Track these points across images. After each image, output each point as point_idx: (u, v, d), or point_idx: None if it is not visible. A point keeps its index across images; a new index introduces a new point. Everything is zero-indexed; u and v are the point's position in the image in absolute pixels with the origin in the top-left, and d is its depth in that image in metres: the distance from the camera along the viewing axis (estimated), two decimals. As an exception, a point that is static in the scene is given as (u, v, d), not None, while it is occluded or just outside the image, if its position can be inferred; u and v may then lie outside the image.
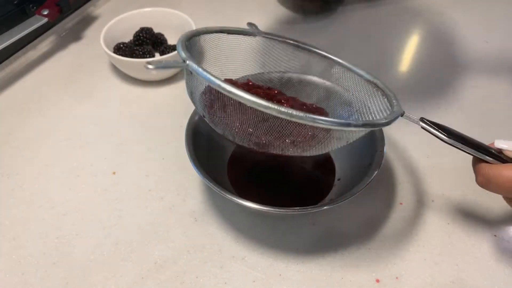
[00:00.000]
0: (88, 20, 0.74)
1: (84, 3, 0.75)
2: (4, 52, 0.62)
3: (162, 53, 0.63)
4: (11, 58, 0.65)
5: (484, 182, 0.37)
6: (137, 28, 0.64)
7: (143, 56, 0.61)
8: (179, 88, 0.62)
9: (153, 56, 0.62)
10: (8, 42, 0.60)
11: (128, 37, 0.65)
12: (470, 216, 0.46)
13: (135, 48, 0.62)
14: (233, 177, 0.48)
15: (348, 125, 0.34)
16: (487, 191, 0.49)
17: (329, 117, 0.38)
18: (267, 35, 0.46)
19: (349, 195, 0.40)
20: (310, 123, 0.33)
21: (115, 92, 0.61)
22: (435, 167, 0.51)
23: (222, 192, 0.40)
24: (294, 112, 0.32)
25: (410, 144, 0.53)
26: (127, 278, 0.42)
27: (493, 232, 0.45)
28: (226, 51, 0.45)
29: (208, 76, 0.34)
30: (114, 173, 0.51)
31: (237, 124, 0.36)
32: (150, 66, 0.33)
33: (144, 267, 0.42)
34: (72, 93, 0.61)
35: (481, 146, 0.37)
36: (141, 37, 0.64)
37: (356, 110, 0.44)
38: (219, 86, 0.33)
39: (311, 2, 0.73)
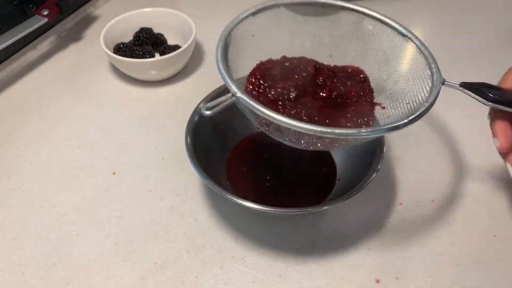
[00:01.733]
0: (88, 20, 0.74)
1: (84, 3, 0.75)
2: (4, 52, 0.63)
3: (162, 54, 0.63)
4: (11, 58, 0.65)
5: None
6: (137, 28, 0.64)
7: (143, 56, 0.61)
8: (179, 88, 0.62)
9: (153, 56, 0.62)
10: (8, 42, 0.60)
11: (128, 37, 0.65)
12: (470, 216, 0.46)
13: (135, 48, 0.62)
14: (231, 177, 0.48)
15: (396, 128, 0.35)
16: (488, 190, 0.49)
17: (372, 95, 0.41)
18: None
19: (349, 195, 0.40)
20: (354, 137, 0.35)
21: (115, 92, 0.61)
22: (435, 167, 0.51)
23: (222, 192, 0.40)
24: (338, 130, 0.33)
25: (410, 144, 0.53)
26: (127, 278, 0.42)
27: (493, 232, 0.45)
28: (258, 34, 0.45)
29: (261, 108, 0.34)
30: (114, 173, 0.51)
31: (292, 139, 0.38)
32: (207, 112, 0.33)
33: (144, 267, 0.42)
34: (72, 93, 0.61)
35: None
36: (141, 37, 0.64)
37: (394, 70, 0.43)
38: (270, 116, 0.34)
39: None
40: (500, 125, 0.37)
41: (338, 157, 0.50)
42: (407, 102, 0.41)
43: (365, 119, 0.40)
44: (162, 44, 0.65)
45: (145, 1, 0.76)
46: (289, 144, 0.39)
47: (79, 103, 0.59)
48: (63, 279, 0.42)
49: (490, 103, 0.37)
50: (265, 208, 0.39)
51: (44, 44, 0.68)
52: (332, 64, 0.45)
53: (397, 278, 0.42)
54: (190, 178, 0.50)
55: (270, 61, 0.43)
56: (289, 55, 0.45)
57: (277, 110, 0.37)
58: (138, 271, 0.42)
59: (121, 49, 0.61)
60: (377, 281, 0.41)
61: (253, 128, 0.53)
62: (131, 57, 0.61)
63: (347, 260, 0.43)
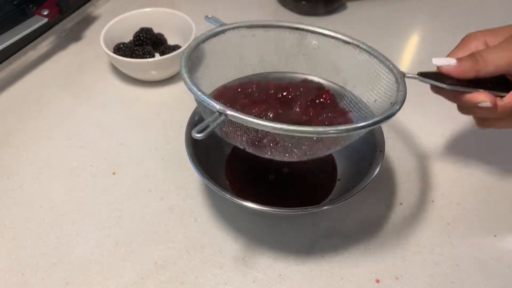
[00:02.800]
0: (88, 20, 0.74)
1: (84, 3, 0.75)
2: (4, 52, 0.62)
3: (162, 54, 0.63)
4: (11, 58, 0.65)
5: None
6: (137, 28, 0.64)
7: (143, 56, 0.61)
8: (179, 88, 0.62)
9: (153, 56, 0.62)
10: (8, 42, 0.60)
11: (128, 37, 0.65)
12: (470, 216, 0.46)
13: (135, 48, 0.62)
14: (231, 177, 0.48)
15: (362, 127, 0.34)
16: (487, 191, 0.49)
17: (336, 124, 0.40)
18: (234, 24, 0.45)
19: (349, 195, 0.40)
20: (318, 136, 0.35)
21: (115, 92, 0.61)
22: (435, 167, 0.51)
23: (222, 192, 0.40)
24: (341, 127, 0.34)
25: (410, 144, 0.53)
26: (127, 278, 0.42)
27: (493, 232, 0.45)
28: (225, 52, 0.45)
29: (251, 120, 0.34)
30: (114, 173, 0.51)
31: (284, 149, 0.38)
32: (198, 135, 0.32)
33: (144, 267, 0.42)
34: (72, 93, 0.61)
35: (481, 82, 0.38)
36: (141, 37, 0.63)
37: (349, 76, 0.45)
38: (270, 126, 0.33)
39: (311, 2, 0.73)
40: (472, 95, 0.38)
41: (338, 157, 0.50)
42: (375, 100, 0.42)
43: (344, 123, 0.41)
44: (162, 44, 0.65)
45: (145, 1, 0.76)
46: (279, 157, 0.39)
47: (79, 103, 0.59)
48: (63, 279, 0.42)
49: (448, 86, 0.38)
50: (265, 208, 0.39)
51: (44, 44, 0.68)
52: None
53: (397, 278, 0.42)
54: (190, 178, 0.50)
55: (229, 88, 0.44)
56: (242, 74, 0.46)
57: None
58: (138, 271, 0.42)
59: (121, 49, 0.61)
60: (377, 281, 0.41)
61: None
62: (131, 57, 0.61)
63: (347, 260, 0.43)
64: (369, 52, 0.43)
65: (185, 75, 0.39)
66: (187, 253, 0.44)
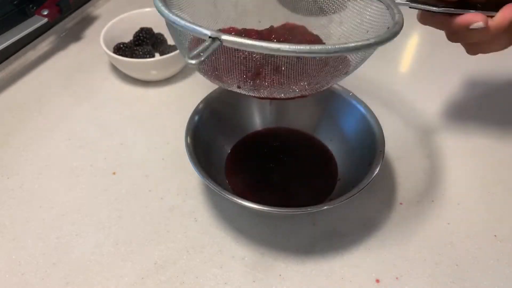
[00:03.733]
0: (88, 20, 0.74)
1: (84, 3, 0.75)
2: (4, 52, 0.63)
3: (162, 54, 0.63)
4: (11, 58, 0.65)
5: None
6: (137, 28, 0.64)
7: (143, 56, 0.61)
8: (179, 88, 0.62)
9: (153, 56, 0.62)
10: (8, 42, 0.60)
11: (128, 37, 0.65)
12: (470, 216, 0.46)
13: (135, 48, 0.62)
14: (231, 177, 0.48)
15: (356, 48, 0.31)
16: (487, 191, 0.49)
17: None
18: None
19: (349, 195, 0.40)
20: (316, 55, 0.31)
21: (115, 92, 0.61)
22: (435, 167, 0.51)
23: (222, 192, 0.40)
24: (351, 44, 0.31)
25: (410, 143, 0.53)
26: (127, 278, 0.42)
27: (493, 232, 0.45)
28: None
29: (251, 42, 0.29)
30: (114, 173, 0.51)
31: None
32: (192, 61, 0.28)
33: (144, 267, 0.42)
34: (72, 93, 0.61)
35: (472, 6, 0.37)
36: (141, 37, 0.64)
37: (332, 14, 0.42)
38: (269, 47, 0.29)
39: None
40: (464, 16, 0.37)
41: (338, 157, 0.50)
42: (367, 31, 0.40)
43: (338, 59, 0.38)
44: (162, 44, 0.65)
45: (145, 1, 0.76)
46: (278, 93, 0.36)
47: (79, 103, 0.59)
48: (63, 279, 0.42)
49: (439, 9, 0.37)
50: (265, 208, 0.39)
51: (44, 44, 0.68)
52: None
53: (397, 278, 0.42)
54: (190, 178, 0.50)
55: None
56: (218, 25, 0.43)
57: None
58: (138, 271, 0.42)
59: (121, 49, 0.61)
60: (377, 281, 0.41)
61: (253, 127, 0.53)
62: (131, 57, 0.61)
63: (347, 260, 0.43)
64: None
65: (159, 4, 0.34)
66: (187, 253, 0.44)
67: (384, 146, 0.44)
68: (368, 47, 0.32)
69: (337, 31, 0.43)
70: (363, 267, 0.42)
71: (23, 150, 0.53)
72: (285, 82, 0.35)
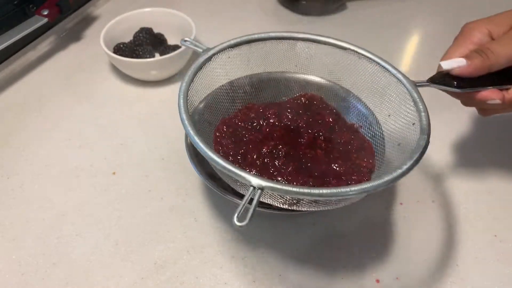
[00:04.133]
0: (88, 20, 0.74)
1: (84, 3, 0.75)
2: (4, 52, 0.62)
3: (162, 53, 0.63)
4: (11, 58, 0.65)
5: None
6: (137, 28, 0.64)
7: (143, 56, 0.61)
8: (179, 88, 0.62)
9: (153, 56, 0.62)
10: (8, 42, 0.60)
11: (128, 37, 0.65)
12: (470, 216, 0.46)
13: (135, 48, 0.62)
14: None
15: (369, 189, 0.32)
16: (487, 191, 0.49)
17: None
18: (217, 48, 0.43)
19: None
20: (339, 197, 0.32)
21: (115, 92, 0.61)
22: (435, 167, 0.51)
23: (222, 192, 0.40)
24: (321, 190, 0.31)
25: (410, 143, 0.53)
26: (127, 278, 0.42)
27: (493, 232, 0.45)
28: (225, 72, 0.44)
29: (290, 189, 0.31)
30: (114, 173, 0.51)
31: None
32: (240, 224, 0.29)
33: (144, 267, 0.42)
34: (72, 93, 0.61)
35: (489, 79, 0.37)
36: (141, 37, 0.63)
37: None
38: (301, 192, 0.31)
39: (311, 2, 0.73)
40: (482, 94, 0.38)
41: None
42: (388, 114, 0.41)
43: (361, 148, 0.41)
44: (162, 44, 0.65)
45: (145, 1, 0.76)
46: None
47: (79, 103, 0.59)
48: (63, 279, 0.42)
49: (458, 90, 0.38)
50: (265, 208, 0.39)
51: (44, 44, 0.68)
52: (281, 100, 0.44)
53: (397, 278, 0.42)
54: (190, 178, 0.50)
55: (228, 122, 0.42)
56: (234, 105, 0.45)
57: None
58: (138, 271, 0.42)
59: (121, 49, 0.61)
60: (377, 281, 0.41)
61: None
62: (131, 57, 0.61)
63: (347, 260, 0.43)
64: (371, 59, 0.41)
65: (202, 146, 0.34)
66: (187, 253, 0.44)
67: (384, 146, 0.44)
68: (393, 181, 0.33)
69: (352, 99, 0.44)
70: (363, 267, 0.42)
71: (23, 150, 0.53)
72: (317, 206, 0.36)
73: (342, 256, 0.43)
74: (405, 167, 0.33)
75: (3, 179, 0.50)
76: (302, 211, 0.40)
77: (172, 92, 0.61)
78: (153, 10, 0.66)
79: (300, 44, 0.43)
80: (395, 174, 0.32)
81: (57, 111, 0.58)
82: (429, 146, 0.53)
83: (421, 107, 0.37)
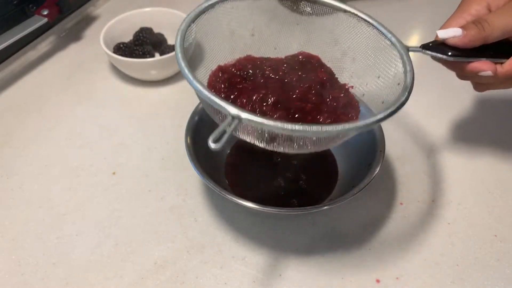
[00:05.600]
0: (88, 20, 0.74)
1: (84, 3, 0.75)
2: (4, 52, 0.62)
3: (162, 53, 0.63)
4: (11, 58, 0.65)
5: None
6: (137, 28, 0.64)
7: (143, 56, 0.61)
8: (179, 88, 0.62)
9: (153, 56, 0.62)
10: (8, 42, 0.60)
11: (128, 37, 0.65)
12: (470, 216, 0.46)
13: (135, 48, 0.62)
14: (231, 177, 0.48)
15: (363, 126, 0.33)
16: (487, 191, 0.49)
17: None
18: None
19: (349, 195, 0.40)
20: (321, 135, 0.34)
21: (115, 92, 0.61)
22: (435, 167, 0.51)
23: (222, 192, 0.40)
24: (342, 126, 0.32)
25: (410, 144, 0.53)
26: (127, 278, 0.42)
27: (493, 232, 0.45)
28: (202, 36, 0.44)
29: (267, 123, 0.32)
30: (114, 173, 0.51)
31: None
32: (214, 145, 0.30)
33: (144, 267, 0.42)
34: (72, 93, 0.61)
35: (484, 51, 0.37)
36: (141, 37, 0.63)
37: (347, 48, 0.43)
38: (278, 126, 0.32)
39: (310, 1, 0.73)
40: (474, 64, 0.38)
41: (338, 157, 0.50)
42: (378, 76, 0.41)
43: (348, 105, 0.40)
44: (162, 44, 0.65)
45: (145, 1, 0.76)
46: (287, 151, 0.38)
47: (79, 103, 0.59)
48: (63, 279, 0.42)
49: (452, 58, 0.38)
50: (265, 208, 0.39)
51: (44, 44, 0.68)
52: (280, 56, 0.44)
53: (397, 278, 0.42)
54: (190, 178, 0.50)
55: (224, 68, 0.42)
56: (233, 54, 0.44)
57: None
58: (138, 271, 0.42)
59: (121, 49, 0.61)
60: (377, 281, 0.41)
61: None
62: (131, 57, 0.61)
63: (347, 260, 0.43)
64: (369, 23, 0.41)
65: (188, 74, 0.35)
66: (187, 253, 0.44)
67: (384, 146, 0.44)
68: (376, 123, 0.33)
69: (349, 67, 0.44)
70: (363, 267, 0.42)
71: (23, 150, 0.53)
72: (294, 146, 0.36)
73: (342, 256, 0.43)
74: (379, 116, 0.34)
75: (3, 179, 0.50)
76: (302, 211, 0.40)
77: (172, 92, 0.61)
78: (153, 10, 0.66)
79: (303, 3, 0.45)
80: (367, 121, 0.33)
81: (57, 111, 0.58)
82: (429, 146, 0.53)
83: (408, 67, 0.38)
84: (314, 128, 0.31)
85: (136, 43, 0.64)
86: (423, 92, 0.60)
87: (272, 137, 0.36)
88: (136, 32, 0.64)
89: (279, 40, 0.46)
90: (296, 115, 0.39)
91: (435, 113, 0.57)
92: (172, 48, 0.62)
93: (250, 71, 0.42)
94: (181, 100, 0.59)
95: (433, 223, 0.46)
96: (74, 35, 0.71)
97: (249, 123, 0.32)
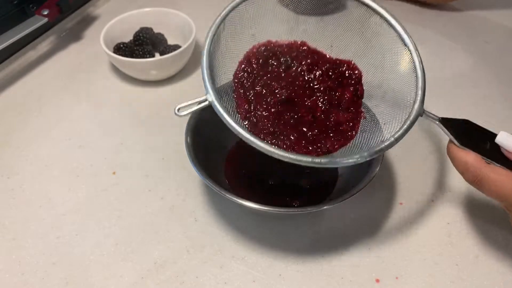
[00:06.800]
0: (88, 20, 0.74)
1: (84, 3, 0.75)
2: (4, 52, 0.62)
3: (162, 53, 0.63)
4: (11, 58, 0.65)
5: (476, 182, 0.35)
6: (137, 28, 0.64)
7: (143, 56, 0.61)
8: (179, 88, 0.62)
9: (153, 56, 0.62)
10: (8, 42, 0.60)
11: (128, 37, 0.65)
12: (470, 216, 0.46)
13: (135, 48, 0.62)
14: (231, 177, 0.48)
15: (360, 158, 0.35)
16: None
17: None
18: None
19: (349, 195, 0.40)
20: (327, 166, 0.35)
21: (115, 92, 0.61)
22: (435, 166, 0.51)
23: (222, 192, 0.40)
24: (303, 158, 0.35)
25: (410, 143, 0.53)
26: (127, 278, 0.42)
27: (493, 232, 0.45)
28: (250, 20, 0.45)
29: (227, 118, 0.36)
30: (114, 173, 0.51)
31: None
32: (181, 113, 0.36)
33: (144, 267, 0.42)
34: (72, 93, 0.61)
35: (494, 151, 0.36)
36: (141, 37, 0.63)
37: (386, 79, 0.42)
38: (235, 130, 0.36)
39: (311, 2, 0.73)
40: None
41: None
42: (384, 123, 0.41)
43: (347, 133, 0.41)
44: (162, 44, 0.65)
45: (145, 1, 0.76)
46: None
47: (79, 103, 0.59)
48: (63, 279, 0.42)
49: (462, 147, 0.36)
50: (265, 208, 0.39)
51: (44, 44, 0.68)
52: (328, 55, 0.44)
53: (397, 278, 0.42)
54: (190, 178, 0.50)
55: (261, 49, 0.43)
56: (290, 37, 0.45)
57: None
58: (138, 271, 0.42)
59: (121, 49, 0.61)
60: (377, 281, 0.41)
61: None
62: (131, 57, 0.61)
63: (347, 260, 0.43)
64: (414, 67, 0.40)
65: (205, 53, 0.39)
66: (187, 253, 0.44)
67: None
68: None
69: (375, 94, 0.43)
70: (363, 267, 0.42)
71: (23, 150, 0.53)
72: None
73: (342, 255, 0.43)
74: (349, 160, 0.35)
75: (3, 179, 0.50)
76: (302, 211, 0.40)
77: (172, 92, 0.61)
78: (153, 10, 0.66)
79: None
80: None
81: (57, 111, 0.58)
82: (429, 146, 0.53)
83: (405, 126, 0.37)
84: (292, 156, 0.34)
85: (136, 43, 0.64)
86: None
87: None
88: (136, 32, 0.64)
89: (339, 40, 0.45)
90: (296, 123, 0.40)
91: (435, 112, 0.57)
92: (172, 49, 0.62)
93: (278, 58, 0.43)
94: (181, 100, 0.59)
95: (432, 223, 0.46)
96: (74, 35, 0.71)
97: (214, 108, 0.36)
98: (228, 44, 0.42)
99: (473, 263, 0.43)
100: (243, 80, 0.42)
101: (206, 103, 0.36)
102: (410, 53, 0.40)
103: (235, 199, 0.39)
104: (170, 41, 0.66)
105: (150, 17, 0.66)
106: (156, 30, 0.65)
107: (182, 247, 0.44)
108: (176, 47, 0.62)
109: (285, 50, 0.44)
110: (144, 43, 0.63)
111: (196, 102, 0.37)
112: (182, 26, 0.64)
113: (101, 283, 0.41)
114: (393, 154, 0.52)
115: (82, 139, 0.55)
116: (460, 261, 0.43)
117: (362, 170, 0.43)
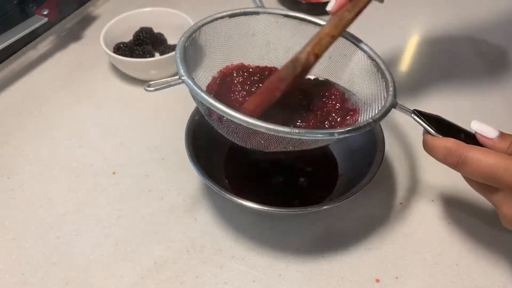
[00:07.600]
0: (88, 20, 0.74)
1: (84, 3, 0.75)
2: (4, 52, 0.62)
3: (162, 53, 0.63)
4: (11, 58, 0.65)
5: (460, 163, 0.35)
6: (137, 28, 0.64)
7: (143, 56, 0.61)
8: (179, 88, 0.62)
9: (153, 56, 0.62)
10: (8, 42, 0.60)
11: (128, 37, 0.65)
12: (470, 216, 0.46)
13: (135, 48, 0.62)
14: (231, 177, 0.48)
15: (332, 134, 0.34)
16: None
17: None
18: (269, 9, 0.45)
19: (349, 195, 0.40)
20: (296, 136, 0.34)
21: (115, 92, 0.61)
22: (435, 167, 0.51)
23: (222, 192, 0.40)
24: (281, 128, 0.33)
25: (410, 143, 0.53)
26: (127, 278, 0.42)
27: (493, 232, 0.45)
28: (230, 36, 0.46)
29: (201, 94, 0.36)
30: (114, 173, 0.51)
31: (234, 133, 0.38)
32: (150, 88, 0.36)
33: (144, 267, 0.42)
34: (72, 93, 0.61)
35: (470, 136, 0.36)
36: (141, 37, 0.63)
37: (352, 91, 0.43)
38: (211, 103, 0.35)
39: (310, 3, 0.73)
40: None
41: (338, 156, 0.50)
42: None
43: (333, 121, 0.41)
44: (162, 43, 0.65)
45: (145, 1, 0.76)
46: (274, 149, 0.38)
47: (79, 103, 0.59)
48: (63, 279, 0.42)
49: (438, 134, 0.37)
50: (265, 208, 0.39)
51: (44, 44, 0.68)
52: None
53: (397, 278, 0.42)
54: (190, 178, 0.50)
55: (235, 67, 0.44)
56: (260, 62, 0.46)
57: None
58: (138, 271, 0.42)
59: (121, 49, 0.61)
60: (377, 280, 0.41)
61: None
62: (131, 56, 0.61)
63: (347, 260, 0.43)
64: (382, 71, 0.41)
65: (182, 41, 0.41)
66: (187, 253, 0.44)
67: (384, 146, 0.44)
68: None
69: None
70: (363, 267, 0.42)
71: (23, 150, 0.53)
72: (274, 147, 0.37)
73: (341, 256, 0.43)
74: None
75: (3, 179, 0.50)
76: (302, 211, 0.40)
77: (172, 92, 0.61)
78: (153, 10, 0.66)
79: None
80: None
81: (57, 111, 0.58)
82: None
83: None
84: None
85: (136, 43, 0.64)
86: (425, 92, 0.60)
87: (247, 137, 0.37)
88: (136, 32, 0.64)
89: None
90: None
91: (435, 112, 0.57)
92: (172, 48, 0.62)
93: (256, 76, 0.44)
94: (181, 100, 0.59)
95: (433, 223, 0.46)
96: (74, 35, 0.71)
97: (189, 88, 0.37)
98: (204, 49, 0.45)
99: (474, 263, 0.43)
100: (217, 89, 0.43)
101: (178, 79, 0.38)
102: (374, 60, 0.42)
103: (235, 199, 0.39)
104: (170, 41, 0.66)
105: (150, 17, 0.66)
106: (156, 30, 0.65)
107: (182, 247, 0.44)
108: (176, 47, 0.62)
109: (258, 71, 0.45)
110: (144, 43, 0.63)
111: (169, 80, 0.38)
112: (182, 26, 0.64)
113: (101, 283, 0.41)
114: (393, 154, 0.52)
115: (82, 139, 0.55)
116: (460, 261, 0.43)
117: (362, 170, 0.43)
